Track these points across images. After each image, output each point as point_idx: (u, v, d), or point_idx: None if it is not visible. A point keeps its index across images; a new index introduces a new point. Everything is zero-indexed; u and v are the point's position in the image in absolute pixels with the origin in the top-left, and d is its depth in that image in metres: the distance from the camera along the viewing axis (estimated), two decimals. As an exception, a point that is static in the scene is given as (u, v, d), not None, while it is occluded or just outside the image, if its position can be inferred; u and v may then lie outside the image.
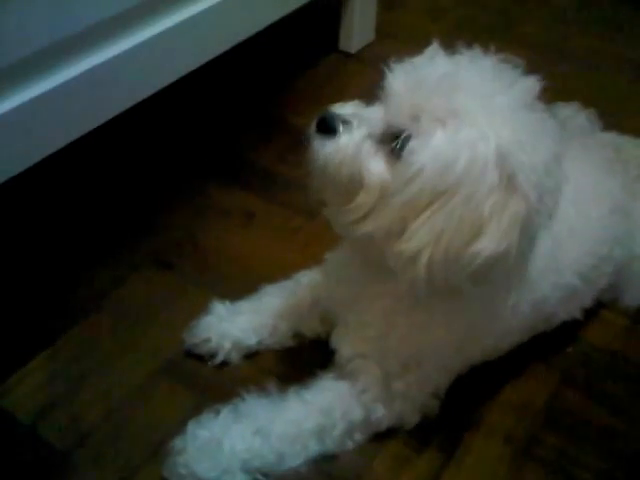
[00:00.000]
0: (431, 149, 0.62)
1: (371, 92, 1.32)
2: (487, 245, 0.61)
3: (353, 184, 0.66)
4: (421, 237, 0.62)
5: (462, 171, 0.61)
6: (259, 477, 0.73)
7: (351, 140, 0.67)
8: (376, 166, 0.66)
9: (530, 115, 0.65)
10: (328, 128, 0.68)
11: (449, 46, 0.74)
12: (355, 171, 0.66)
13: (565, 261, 0.80)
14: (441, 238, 0.62)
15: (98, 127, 0.91)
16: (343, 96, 1.30)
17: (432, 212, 0.62)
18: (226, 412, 0.75)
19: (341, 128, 0.67)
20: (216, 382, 0.82)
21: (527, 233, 0.64)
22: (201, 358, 0.84)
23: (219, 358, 0.84)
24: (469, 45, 0.74)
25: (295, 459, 0.74)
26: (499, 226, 0.61)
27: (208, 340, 0.84)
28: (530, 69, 1.44)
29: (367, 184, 0.66)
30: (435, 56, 0.70)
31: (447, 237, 0.62)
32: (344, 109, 0.70)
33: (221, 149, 1.19)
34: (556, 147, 0.65)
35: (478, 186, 0.61)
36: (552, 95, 1.23)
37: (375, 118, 0.68)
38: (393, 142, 0.65)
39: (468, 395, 0.82)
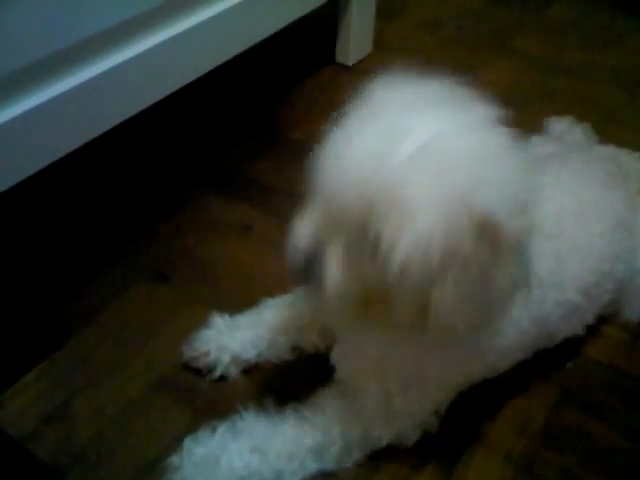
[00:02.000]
0: (408, 237, 0.56)
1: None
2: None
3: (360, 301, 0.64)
4: (446, 315, 0.60)
5: (446, 245, 0.57)
6: (256, 495, 0.72)
7: (334, 274, 0.62)
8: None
9: (494, 160, 0.61)
10: (310, 278, 0.64)
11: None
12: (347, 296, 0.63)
13: (567, 278, 0.79)
14: (462, 309, 0.60)
15: (93, 140, 0.90)
16: (340, 108, 1.32)
17: (442, 289, 0.59)
18: (223, 429, 0.74)
19: (318, 266, 0.62)
20: (213, 398, 0.81)
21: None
22: (198, 372, 0.83)
23: (217, 372, 0.83)
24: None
25: (293, 477, 0.73)
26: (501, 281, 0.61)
27: (207, 353, 0.83)
28: (522, 82, 1.45)
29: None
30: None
31: (467, 306, 0.60)
32: (303, 236, 0.64)
33: (218, 162, 1.18)
34: (529, 186, 0.61)
35: (467, 251, 0.58)
36: (546, 109, 1.26)
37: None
38: (362, 244, 0.60)
39: (467, 412, 0.81)
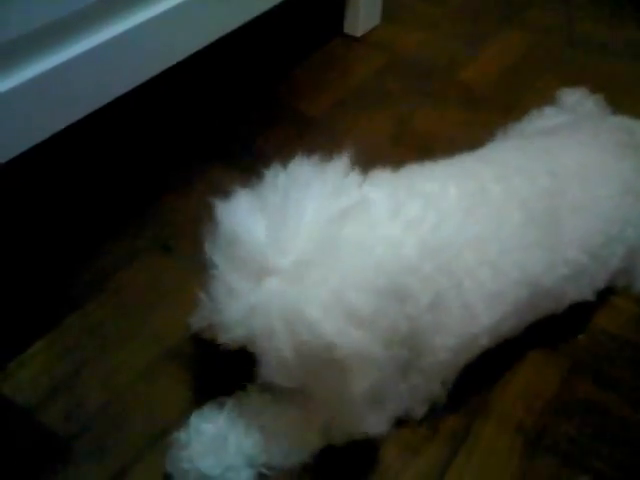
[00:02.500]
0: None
1: (376, 77, 1.31)
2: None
3: None
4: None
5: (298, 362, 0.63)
6: (264, 471, 0.71)
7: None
8: None
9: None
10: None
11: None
12: None
13: (568, 237, 0.79)
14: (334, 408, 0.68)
15: (99, 111, 0.89)
16: (348, 80, 1.30)
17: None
18: (230, 405, 0.73)
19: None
20: (221, 370, 0.81)
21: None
22: (207, 343, 0.82)
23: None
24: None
25: (302, 454, 0.72)
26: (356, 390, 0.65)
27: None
28: (534, 54, 1.43)
29: None
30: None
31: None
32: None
33: (223, 133, 1.17)
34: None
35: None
36: (558, 81, 1.24)
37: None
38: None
39: (478, 384, 0.80)
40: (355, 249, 0.65)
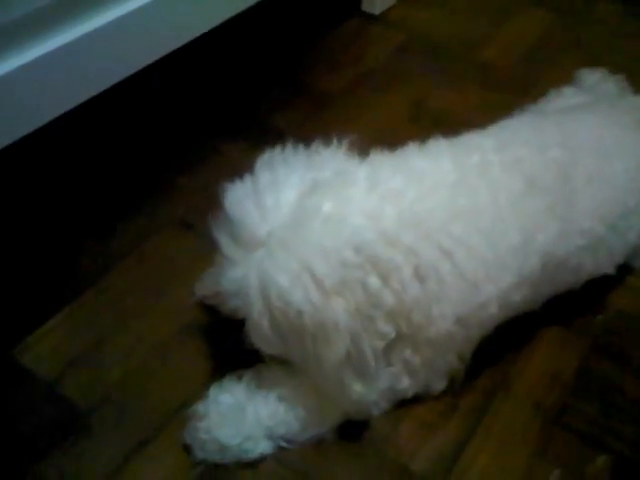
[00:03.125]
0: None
1: (394, 56, 1.30)
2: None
3: None
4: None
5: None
6: (282, 444, 0.72)
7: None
8: None
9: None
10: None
11: None
12: None
13: (582, 207, 0.78)
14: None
15: (119, 89, 0.88)
16: (365, 59, 1.29)
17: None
18: (249, 377, 0.73)
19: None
20: (241, 344, 0.81)
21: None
22: (225, 319, 0.82)
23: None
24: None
25: (320, 427, 0.72)
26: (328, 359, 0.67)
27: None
28: (554, 34, 1.41)
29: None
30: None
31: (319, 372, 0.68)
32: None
33: (241, 111, 1.16)
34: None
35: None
36: (578, 61, 1.22)
37: None
38: None
39: (497, 362, 0.80)
40: (327, 220, 0.67)
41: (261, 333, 0.67)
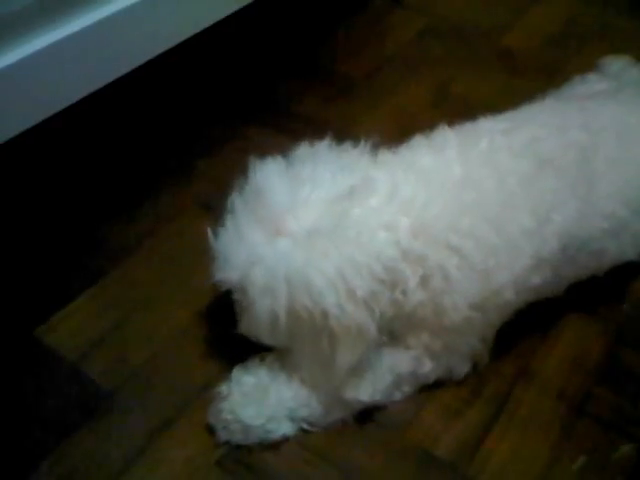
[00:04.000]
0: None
1: (417, 41, 1.29)
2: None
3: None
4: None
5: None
6: (305, 426, 0.72)
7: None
8: None
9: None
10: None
11: None
12: None
13: (604, 190, 0.77)
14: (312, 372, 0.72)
15: (142, 69, 0.88)
16: (388, 44, 1.28)
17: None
18: (272, 359, 0.74)
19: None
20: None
21: None
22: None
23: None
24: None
25: (342, 411, 0.72)
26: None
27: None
28: (579, 21, 1.39)
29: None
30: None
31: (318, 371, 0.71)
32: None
33: (263, 95, 1.16)
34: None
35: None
36: (602, 49, 1.21)
37: None
38: None
39: (520, 349, 0.80)
40: (358, 231, 0.68)
41: (271, 323, 0.68)
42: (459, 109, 1.13)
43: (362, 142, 0.77)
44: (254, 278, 0.68)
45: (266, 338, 0.71)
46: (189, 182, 1.00)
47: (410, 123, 0.76)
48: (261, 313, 0.68)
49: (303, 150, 0.76)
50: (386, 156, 0.76)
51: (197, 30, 0.94)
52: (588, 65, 1.12)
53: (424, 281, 0.69)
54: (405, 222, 0.70)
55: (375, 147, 0.77)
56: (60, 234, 0.91)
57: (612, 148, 0.79)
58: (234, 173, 0.99)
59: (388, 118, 0.78)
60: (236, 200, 0.73)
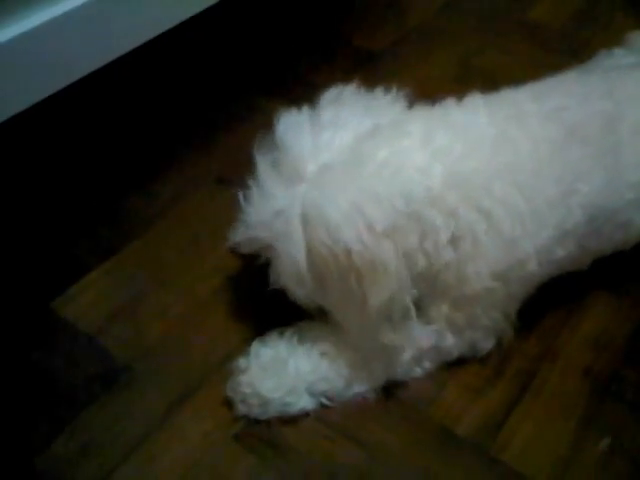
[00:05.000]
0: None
1: (440, 14, 1.26)
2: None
3: None
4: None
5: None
6: (324, 401, 0.71)
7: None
8: None
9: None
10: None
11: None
12: None
13: (631, 159, 0.74)
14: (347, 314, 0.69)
15: (158, 43, 0.87)
16: (410, 16, 1.26)
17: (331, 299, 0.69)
18: (291, 332, 0.73)
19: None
20: (281, 301, 0.79)
21: None
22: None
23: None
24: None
25: (362, 384, 0.71)
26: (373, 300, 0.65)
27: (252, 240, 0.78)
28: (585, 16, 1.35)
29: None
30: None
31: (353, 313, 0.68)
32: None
33: (283, 69, 1.14)
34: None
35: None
36: (630, 24, 1.17)
37: None
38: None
39: (545, 327, 0.78)
40: (381, 166, 0.65)
41: (294, 269, 0.65)
42: (482, 85, 1.09)
43: (394, 90, 0.74)
44: (276, 229, 0.66)
45: (296, 290, 0.68)
46: (208, 157, 0.98)
47: (432, 97, 0.73)
48: (285, 261, 0.66)
49: (328, 95, 0.73)
50: (419, 108, 0.74)
51: (212, 3, 0.92)
52: (614, 40, 1.09)
53: (455, 241, 0.67)
54: (438, 169, 0.67)
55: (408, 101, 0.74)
56: (77, 208, 0.90)
57: (637, 117, 0.76)
58: (250, 148, 0.99)
59: (409, 91, 0.77)
60: (259, 157, 0.71)
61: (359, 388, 0.71)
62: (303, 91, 1.09)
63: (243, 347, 0.73)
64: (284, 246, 0.65)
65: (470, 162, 0.69)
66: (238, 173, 0.94)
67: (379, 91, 0.74)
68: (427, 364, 0.73)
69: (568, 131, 0.72)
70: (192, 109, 1.06)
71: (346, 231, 0.62)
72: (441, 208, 0.66)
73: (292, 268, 0.66)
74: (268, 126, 1.03)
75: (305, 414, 0.70)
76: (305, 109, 0.71)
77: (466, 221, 0.67)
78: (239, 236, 0.81)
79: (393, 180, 0.65)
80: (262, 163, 0.70)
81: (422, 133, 0.69)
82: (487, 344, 0.74)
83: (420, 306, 0.70)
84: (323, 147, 0.67)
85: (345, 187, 0.64)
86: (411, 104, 0.74)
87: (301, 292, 0.68)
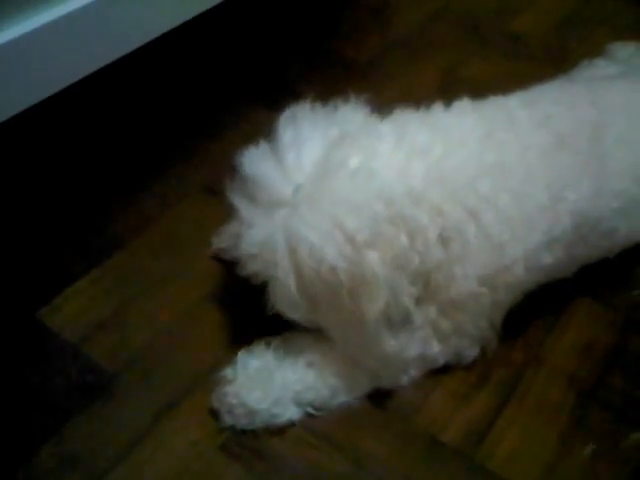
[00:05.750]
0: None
1: (425, 24, 1.26)
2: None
3: None
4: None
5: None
6: (311, 410, 0.70)
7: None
8: None
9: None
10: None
11: None
12: None
13: (615, 167, 0.75)
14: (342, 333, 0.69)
15: (146, 50, 0.87)
16: (395, 27, 1.27)
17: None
18: (278, 343, 0.73)
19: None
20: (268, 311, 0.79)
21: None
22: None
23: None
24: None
25: (348, 394, 0.71)
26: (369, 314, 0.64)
27: (235, 246, 0.78)
28: (588, 6, 1.37)
29: None
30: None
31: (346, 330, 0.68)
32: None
33: (269, 78, 1.15)
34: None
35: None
36: (612, 35, 1.19)
37: None
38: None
39: (529, 334, 0.78)
40: (355, 173, 0.65)
41: (287, 295, 0.65)
42: (467, 93, 1.11)
43: (352, 98, 0.73)
44: (263, 259, 0.66)
45: (292, 314, 0.68)
46: (194, 166, 0.98)
47: (417, 105, 0.74)
48: (277, 288, 0.66)
49: (284, 117, 0.72)
50: (394, 113, 0.73)
51: (204, 8, 0.92)
52: (596, 51, 1.11)
53: (445, 242, 0.67)
54: (418, 167, 0.66)
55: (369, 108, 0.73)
56: (62, 216, 0.90)
57: (622, 125, 0.78)
58: (238, 157, 0.99)
59: (395, 101, 0.77)
60: (234, 197, 0.71)
61: (345, 397, 0.71)
62: (289, 101, 1.09)
63: (229, 357, 0.73)
64: (274, 274, 0.65)
65: (452, 160, 0.68)
66: (225, 182, 0.95)
67: (338, 101, 0.73)
68: (413, 372, 0.74)
69: (557, 138, 0.73)
70: (179, 118, 1.06)
71: (327, 250, 0.62)
72: (425, 206, 0.66)
73: (285, 294, 0.65)
74: (254, 135, 1.03)
75: (291, 423, 0.70)
76: (262, 142, 0.71)
77: (453, 220, 0.67)
78: (222, 242, 0.81)
79: (369, 185, 0.64)
80: (239, 199, 0.70)
81: (396, 134, 0.68)
82: (472, 352, 0.74)
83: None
84: (292, 168, 0.67)
85: (321, 203, 0.64)
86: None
87: (297, 316, 0.68)
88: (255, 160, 0.69)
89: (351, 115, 0.72)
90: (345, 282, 0.63)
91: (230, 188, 0.71)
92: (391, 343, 0.67)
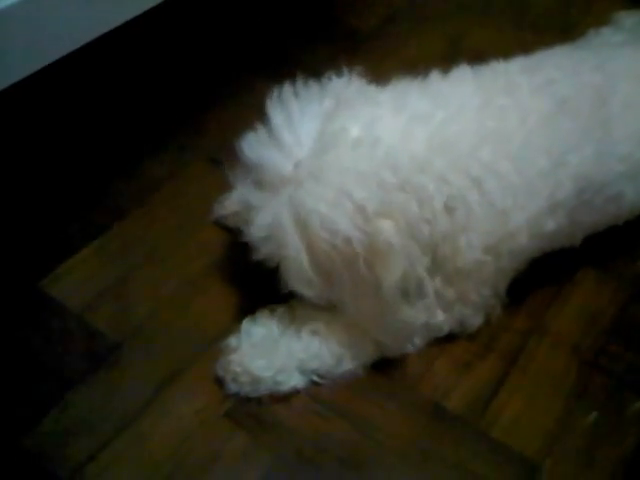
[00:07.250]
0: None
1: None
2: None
3: None
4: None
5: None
6: (315, 379, 0.71)
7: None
8: None
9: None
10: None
11: None
12: None
13: (620, 132, 0.75)
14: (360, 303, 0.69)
15: (151, 18, 0.85)
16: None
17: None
18: (282, 311, 0.72)
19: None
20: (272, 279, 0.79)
21: None
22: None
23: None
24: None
25: (353, 361, 0.71)
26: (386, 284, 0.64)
27: (237, 213, 0.78)
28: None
29: None
30: None
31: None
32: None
33: (272, 48, 1.13)
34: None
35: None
36: (619, 4, 1.17)
37: None
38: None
39: (533, 303, 0.78)
40: (357, 142, 0.64)
41: (300, 272, 0.65)
42: (471, 63, 1.10)
43: (346, 70, 0.72)
44: (275, 240, 0.65)
45: (307, 292, 0.67)
46: (196, 136, 0.98)
47: (420, 75, 0.73)
48: (290, 267, 0.65)
49: (272, 97, 0.71)
50: (393, 82, 0.72)
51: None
52: (602, 20, 1.09)
53: (450, 211, 0.66)
54: (420, 133, 0.66)
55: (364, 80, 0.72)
56: (64, 186, 0.89)
57: (628, 90, 0.77)
58: (241, 127, 0.98)
59: (398, 71, 0.76)
60: (239, 184, 0.71)
61: (350, 365, 0.71)
62: (291, 71, 1.08)
63: (234, 325, 0.73)
64: (286, 253, 0.64)
65: (454, 127, 0.68)
66: (228, 153, 0.95)
67: (329, 74, 0.72)
68: (417, 340, 0.74)
69: (558, 103, 0.72)
70: (180, 88, 1.05)
71: (339, 221, 0.62)
72: (430, 173, 0.65)
73: (298, 272, 0.65)
74: (257, 105, 1.02)
75: (296, 391, 0.70)
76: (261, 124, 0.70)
77: (457, 188, 0.66)
78: (223, 209, 0.81)
79: (374, 153, 0.64)
80: (243, 186, 0.69)
81: (394, 101, 0.67)
82: (476, 320, 0.74)
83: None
84: (291, 145, 0.66)
85: (326, 175, 0.63)
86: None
87: (312, 293, 0.67)
88: (253, 145, 0.69)
89: (345, 87, 0.71)
90: (361, 252, 0.62)
91: (232, 167, 0.71)
92: (407, 312, 0.66)
